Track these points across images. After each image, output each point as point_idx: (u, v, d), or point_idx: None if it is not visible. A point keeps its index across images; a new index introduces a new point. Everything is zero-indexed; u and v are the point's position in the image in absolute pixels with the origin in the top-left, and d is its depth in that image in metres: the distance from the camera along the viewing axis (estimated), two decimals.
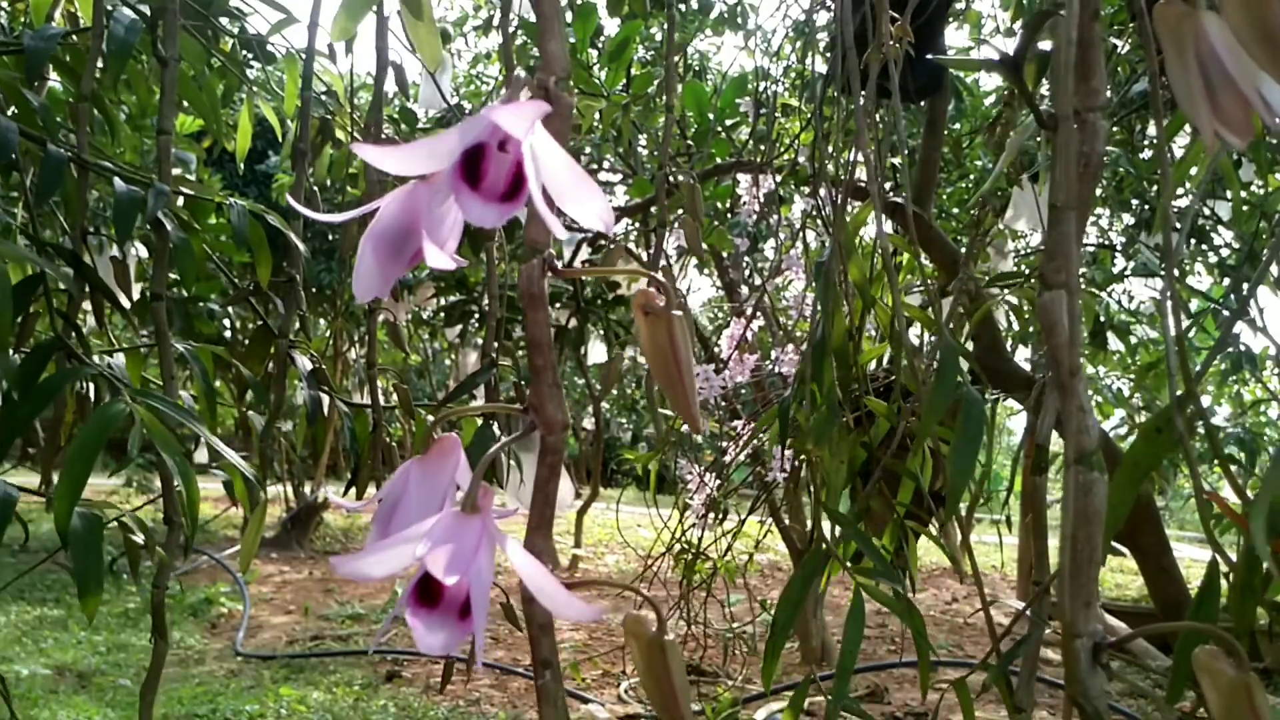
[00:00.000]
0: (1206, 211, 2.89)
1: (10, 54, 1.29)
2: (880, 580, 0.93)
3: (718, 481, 2.22)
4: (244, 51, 1.70)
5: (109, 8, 1.20)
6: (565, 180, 0.44)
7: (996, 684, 0.81)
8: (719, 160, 2.39)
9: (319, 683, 3.10)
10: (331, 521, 6.15)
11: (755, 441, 2.10)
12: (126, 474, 5.62)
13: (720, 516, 2.27)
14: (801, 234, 2.20)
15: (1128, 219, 3.53)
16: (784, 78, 2.50)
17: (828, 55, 1.80)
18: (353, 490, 1.40)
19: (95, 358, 1.08)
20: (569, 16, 2.23)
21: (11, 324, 1.00)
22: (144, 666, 1.25)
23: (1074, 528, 0.45)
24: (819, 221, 1.63)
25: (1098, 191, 2.96)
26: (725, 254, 3.28)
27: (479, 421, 1.31)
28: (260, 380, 1.36)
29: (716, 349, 2.91)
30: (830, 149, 1.48)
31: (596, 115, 2.23)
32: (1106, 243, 3.70)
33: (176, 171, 1.50)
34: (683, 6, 3.21)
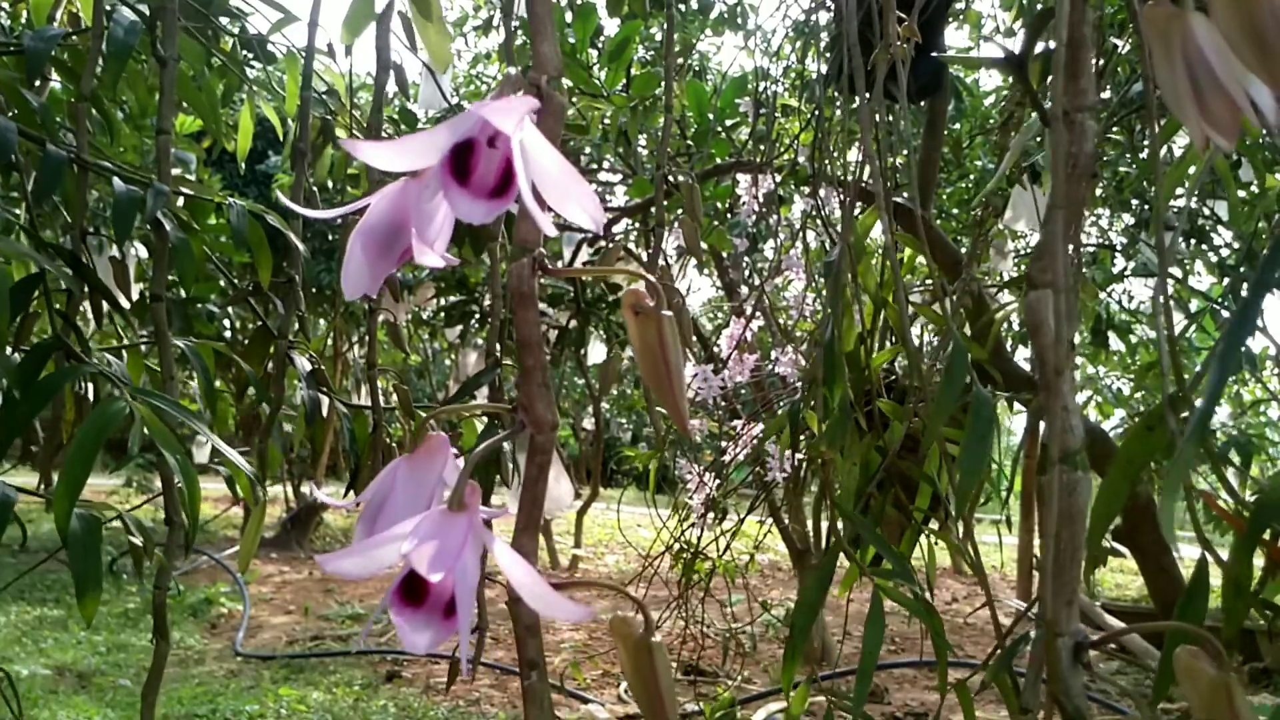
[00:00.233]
0: (1206, 211, 2.88)
1: (10, 54, 1.30)
2: (897, 581, 0.93)
3: (717, 481, 2.22)
4: (244, 51, 1.70)
5: (109, 8, 1.20)
6: (556, 178, 0.44)
7: (998, 684, 0.81)
8: (719, 160, 2.39)
9: (319, 683, 3.10)
10: (331, 522, 6.16)
11: (755, 441, 2.10)
12: (126, 473, 5.63)
13: (719, 516, 2.27)
14: (801, 234, 2.20)
15: (1128, 219, 3.53)
16: (784, 78, 2.49)
17: (828, 55, 1.80)
18: (347, 492, 1.40)
19: (94, 357, 1.08)
20: (569, 17, 2.23)
21: (11, 323, 1.00)
22: (144, 667, 1.25)
23: (1057, 526, 0.45)
24: (819, 222, 1.63)
25: (1098, 192, 2.96)
26: (725, 254, 3.28)
27: (482, 421, 1.31)
28: (260, 379, 1.36)
29: (716, 349, 2.91)
30: (830, 149, 1.48)
31: (604, 118, 2.23)
32: (1106, 243, 3.70)
33: (176, 172, 1.50)
34: (683, 6, 3.21)
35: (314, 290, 4.83)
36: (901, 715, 2.85)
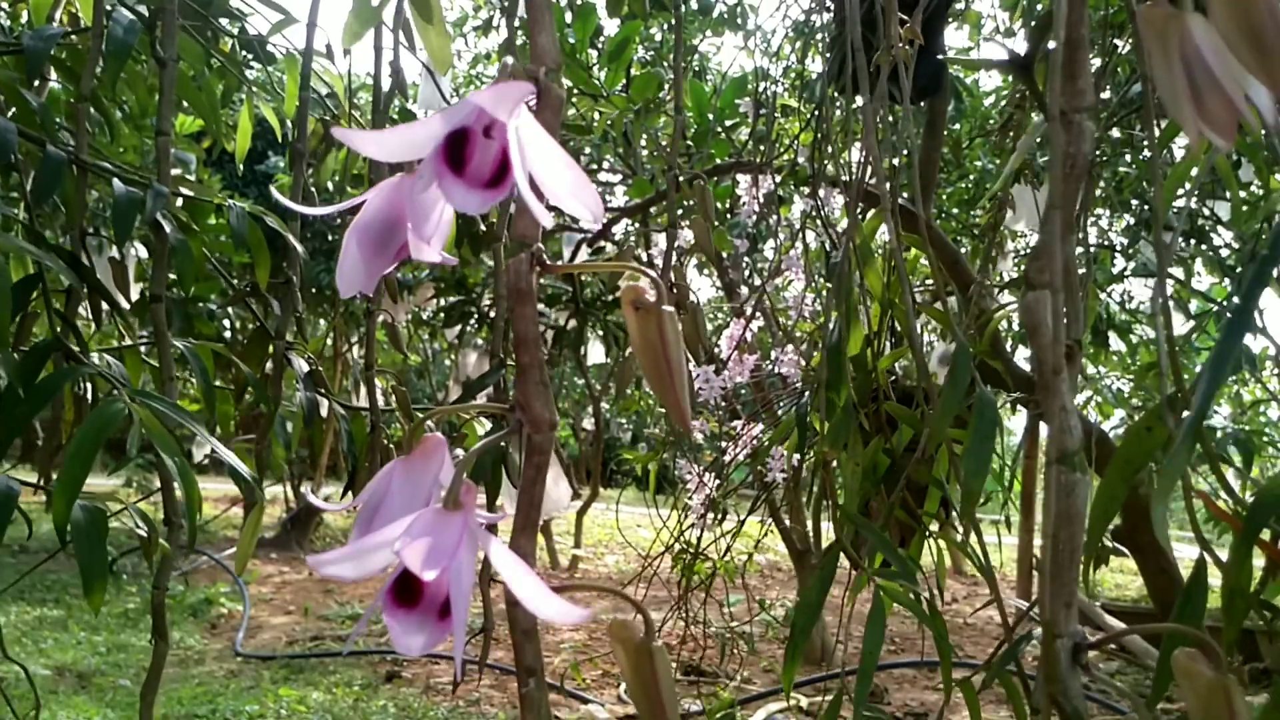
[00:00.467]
0: (1206, 212, 2.88)
1: (10, 54, 1.30)
2: (902, 584, 0.93)
3: (717, 482, 2.22)
4: (243, 52, 1.70)
5: (108, 8, 1.20)
6: (554, 170, 0.43)
7: (1004, 684, 0.81)
8: (718, 160, 2.39)
9: (319, 683, 3.10)
10: (331, 522, 6.15)
11: (755, 442, 2.10)
12: (126, 474, 5.63)
13: (720, 517, 2.27)
14: (801, 234, 2.20)
15: (1128, 219, 3.53)
16: (784, 78, 2.49)
17: (827, 55, 1.80)
18: (346, 493, 1.40)
19: (94, 357, 1.08)
20: (568, 17, 2.23)
21: (10, 323, 1.00)
22: (144, 667, 1.25)
23: (1056, 527, 0.45)
24: (819, 222, 1.63)
25: (1097, 192, 2.96)
26: (725, 254, 3.28)
27: (483, 424, 1.31)
28: (259, 379, 1.36)
29: (716, 349, 2.91)
30: (830, 150, 1.48)
31: (608, 120, 2.23)
32: (1106, 243, 3.70)
33: (176, 172, 1.50)
34: (682, 7, 3.21)
35: (313, 291, 4.83)
36: (901, 715, 2.85)
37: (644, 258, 2.65)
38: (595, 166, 3.00)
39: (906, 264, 1.33)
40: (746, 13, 3.39)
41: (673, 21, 2.63)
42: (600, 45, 2.71)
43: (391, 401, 1.56)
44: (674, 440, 2.36)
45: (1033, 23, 2.21)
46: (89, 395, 1.24)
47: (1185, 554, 3.59)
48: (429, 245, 0.47)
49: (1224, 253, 3.10)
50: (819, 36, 1.96)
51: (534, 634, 0.47)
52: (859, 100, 1.07)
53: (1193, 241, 3.13)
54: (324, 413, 1.36)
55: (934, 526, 1.17)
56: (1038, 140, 2.08)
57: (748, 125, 2.43)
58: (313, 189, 1.72)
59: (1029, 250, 3.37)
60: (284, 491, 5.91)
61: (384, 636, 3.60)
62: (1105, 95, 2.02)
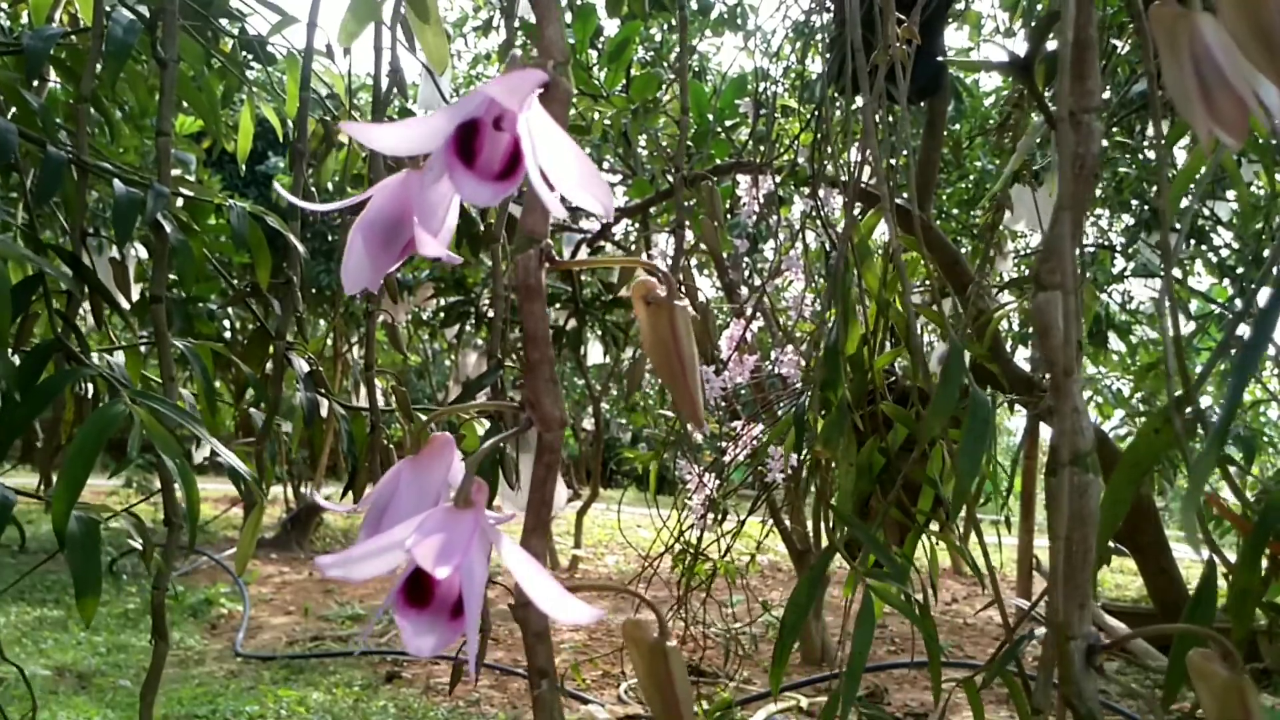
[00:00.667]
0: (1206, 212, 2.88)
1: (10, 54, 1.29)
2: (892, 583, 0.92)
3: (717, 482, 2.22)
4: (244, 52, 1.69)
5: (108, 8, 1.19)
6: (565, 163, 0.43)
7: (1008, 684, 0.80)
8: (718, 161, 2.39)
9: (319, 683, 3.10)
10: (331, 522, 6.15)
11: (755, 442, 2.10)
12: (126, 475, 5.62)
13: (720, 517, 2.27)
14: (801, 235, 2.20)
15: (1128, 219, 3.53)
16: (783, 78, 2.49)
17: (827, 56, 1.79)
18: (350, 493, 1.40)
19: (95, 357, 1.07)
20: (568, 18, 2.23)
21: (10, 324, 1.00)
22: (144, 667, 1.25)
23: (1069, 529, 0.45)
24: (819, 222, 1.63)
25: (1097, 192, 2.96)
26: (725, 255, 3.28)
27: (483, 423, 1.31)
28: (259, 380, 1.36)
29: (716, 350, 2.91)
30: (830, 150, 1.48)
31: (606, 120, 2.23)
32: (1106, 243, 3.70)
33: (176, 172, 1.50)
34: (685, 8, 3.21)
35: (313, 291, 4.82)
36: (901, 716, 2.85)
37: (642, 257, 2.64)
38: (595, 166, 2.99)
39: (907, 265, 1.33)
40: (746, 13, 3.39)
41: (673, 22, 2.64)
42: (600, 46, 2.71)
43: (391, 402, 1.56)
44: (674, 440, 2.36)
45: (1033, 24, 2.21)
46: (90, 396, 1.24)
47: (1184, 554, 3.59)
48: (435, 241, 0.46)
49: (1224, 253, 3.10)
50: (819, 37, 1.96)
51: (546, 636, 0.46)
52: (859, 100, 1.07)
53: (1193, 242, 3.13)
54: (324, 413, 1.36)
55: (934, 527, 1.17)
56: (1037, 141, 2.08)
57: (747, 126, 2.43)
58: (313, 189, 1.71)
59: (1029, 251, 3.37)
60: (284, 492, 5.90)
61: (384, 637, 3.60)
62: (1105, 96, 2.01)
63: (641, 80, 2.30)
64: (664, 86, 2.50)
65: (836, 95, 1.39)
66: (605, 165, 3.01)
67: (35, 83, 1.33)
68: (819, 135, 1.45)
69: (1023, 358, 3.39)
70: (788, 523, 2.96)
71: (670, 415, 2.32)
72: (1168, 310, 0.55)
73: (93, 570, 0.91)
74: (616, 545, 6.09)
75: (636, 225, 2.92)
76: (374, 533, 0.48)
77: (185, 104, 1.58)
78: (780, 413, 2.00)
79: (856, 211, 1.13)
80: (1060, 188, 0.50)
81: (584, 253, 2.69)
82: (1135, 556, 2.37)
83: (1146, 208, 3.13)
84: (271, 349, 1.34)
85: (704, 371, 2.01)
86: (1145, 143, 2.86)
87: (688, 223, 1.67)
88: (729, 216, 2.63)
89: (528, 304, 0.46)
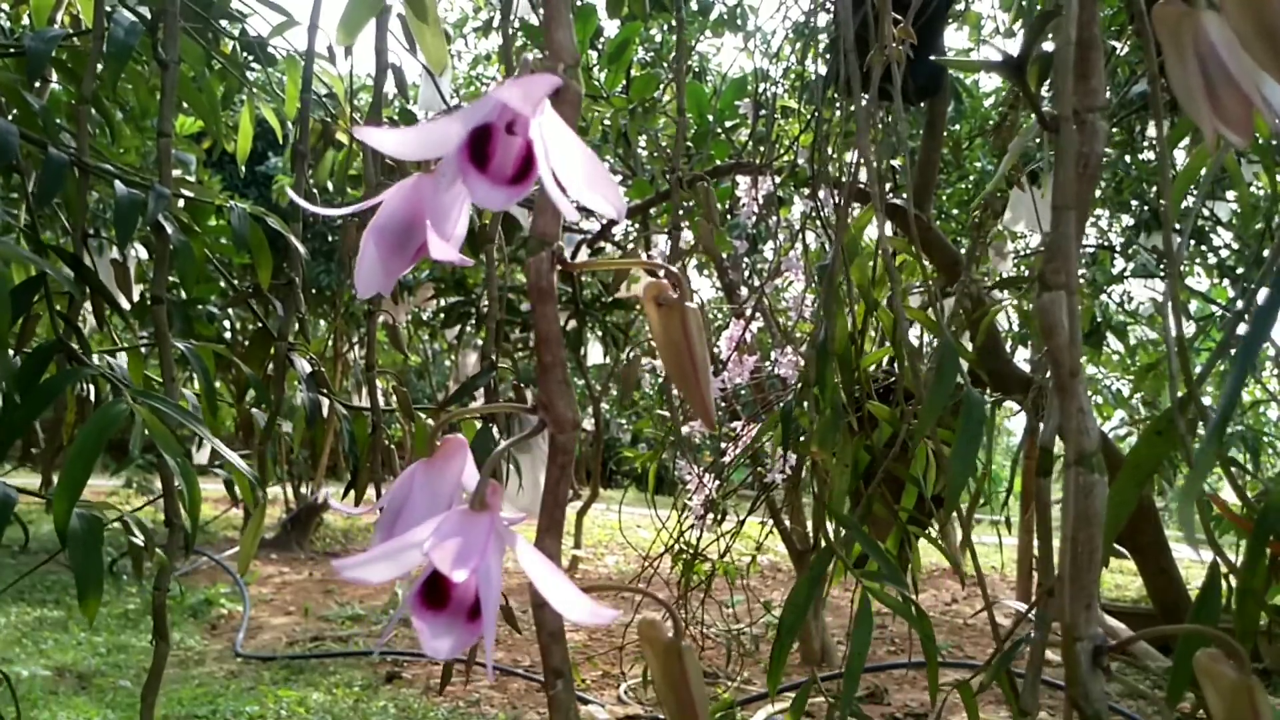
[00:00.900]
0: (1206, 213, 2.89)
1: (11, 56, 1.29)
2: (885, 583, 0.92)
3: (717, 483, 2.22)
4: (244, 53, 1.70)
5: (109, 9, 1.20)
6: (576, 165, 0.43)
7: (1000, 685, 0.81)
8: (718, 162, 2.39)
9: (319, 684, 3.10)
10: (331, 522, 6.15)
11: (755, 443, 2.10)
12: (127, 475, 5.63)
13: (719, 517, 2.27)
14: (801, 235, 2.20)
15: (1127, 220, 3.54)
16: (783, 79, 2.49)
17: (827, 57, 1.80)
18: (351, 493, 1.40)
19: (96, 358, 1.08)
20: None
21: (12, 325, 1.00)
22: (144, 668, 1.25)
23: (1074, 530, 0.45)
24: (818, 223, 1.63)
25: (1097, 192, 2.97)
26: (725, 255, 3.28)
27: (478, 424, 1.31)
28: (260, 380, 1.36)
29: (716, 350, 2.91)
30: (830, 150, 1.48)
31: (606, 120, 2.23)
32: (1106, 243, 3.70)
33: (177, 173, 1.50)
34: (683, 9, 3.21)
35: (314, 291, 4.82)
36: (901, 716, 2.85)
37: (642, 258, 2.64)
38: None
39: (907, 266, 1.33)
40: (746, 14, 3.39)
41: (673, 23, 2.64)
42: (600, 46, 2.71)
43: (392, 402, 1.56)
44: (674, 441, 2.36)
45: (1025, 22, 2.21)
46: (91, 396, 1.24)
47: (1184, 554, 3.59)
48: (449, 244, 0.46)
49: (1224, 254, 3.10)
50: (819, 38, 1.96)
51: (561, 636, 0.47)
52: (863, 102, 1.07)
53: (1193, 243, 3.13)
54: (325, 413, 1.36)
55: (935, 527, 1.17)
56: (1036, 141, 2.08)
57: (747, 126, 2.43)
58: (314, 190, 1.71)
59: (1029, 251, 3.37)
60: (284, 492, 5.90)
61: (387, 638, 3.59)
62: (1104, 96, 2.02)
63: (641, 81, 2.30)
64: (663, 87, 2.50)
65: (836, 96, 1.39)
66: (605, 166, 3.02)
67: (37, 84, 1.33)
68: (819, 136, 1.45)
69: (1023, 358, 3.39)
70: (788, 523, 2.96)
71: (668, 415, 2.33)
72: (1170, 311, 0.55)
73: (95, 568, 0.91)
74: (616, 545, 6.09)
75: (636, 226, 2.92)
76: (388, 535, 0.49)
77: (186, 105, 1.58)
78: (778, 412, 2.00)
79: (848, 211, 1.13)
80: (1064, 187, 0.50)
81: (584, 253, 2.70)
82: (1135, 557, 2.37)
83: (1146, 208, 3.13)
84: (273, 350, 1.34)
85: None
86: (1146, 143, 2.87)
87: (685, 224, 1.67)
88: (729, 217, 2.63)
89: (540, 306, 0.46)
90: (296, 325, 1.36)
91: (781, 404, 1.27)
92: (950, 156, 3.39)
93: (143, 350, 1.30)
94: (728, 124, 2.52)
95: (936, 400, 0.75)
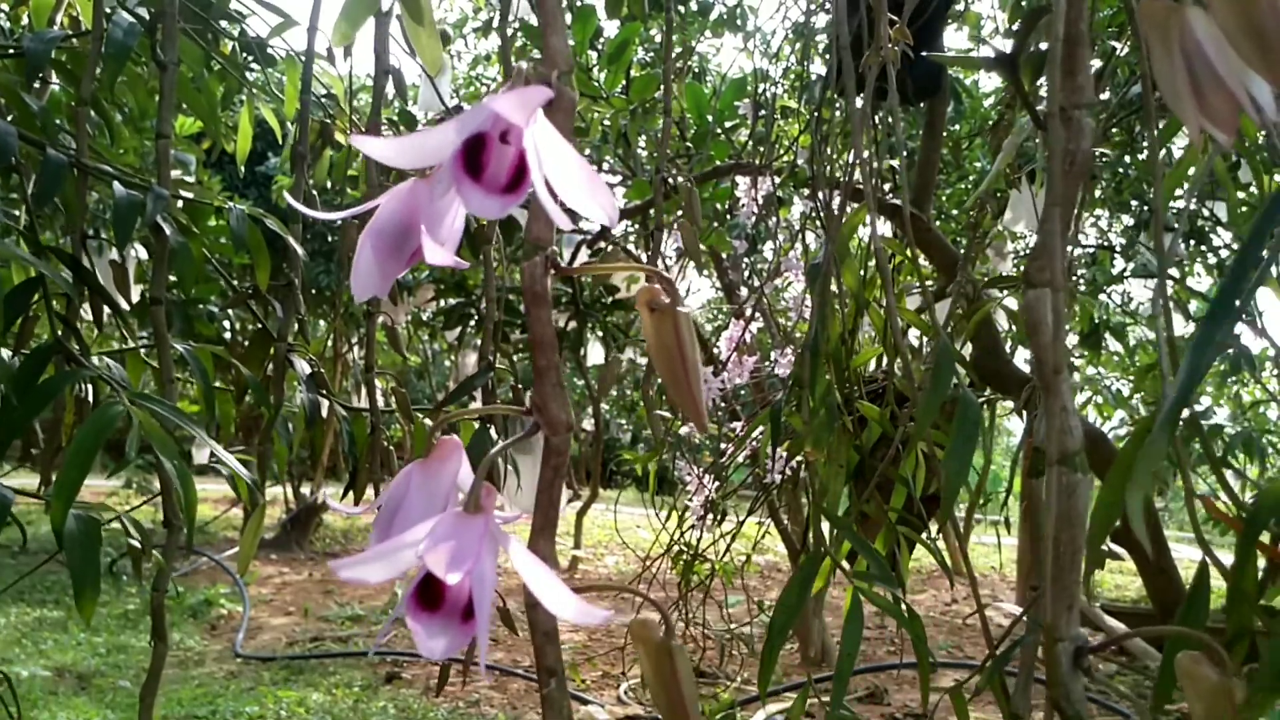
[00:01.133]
0: (1205, 213, 2.89)
1: (10, 57, 1.30)
2: (877, 584, 0.92)
3: (716, 483, 2.22)
4: (244, 54, 1.70)
5: (108, 11, 1.20)
6: (569, 173, 0.43)
7: (992, 689, 0.81)
8: (718, 162, 2.39)
9: (319, 684, 3.10)
10: (331, 523, 6.16)
11: (754, 443, 2.10)
12: (126, 475, 5.63)
13: (719, 518, 2.27)
14: (800, 236, 2.20)
15: (1127, 220, 3.53)
16: (783, 80, 2.50)
17: (826, 57, 1.80)
18: (350, 494, 1.40)
19: (95, 359, 1.08)
20: (568, 19, 2.23)
21: (10, 326, 1.00)
22: (144, 668, 1.25)
23: (1056, 530, 0.45)
24: (817, 223, 1.63)
25: (1097, 193, 2.96)
26: (724, 256, 3.28)
27: (476, 425, 1.31)
28: (260, 381, 1.36)
29: (716, 350, 2.91)
30: (829, 151, 1.48)
31: (605, 121, 2.23)
32: (1106, 244, 3.70)
33: (176, 174, 1.50)
34: (682, 8, 3.21)
35: (313, 292, 4.83)
36: (901, 716, 2.85)
37: (643, 259, 2.65)
38: (595, 168, 3.00)
39: (905, 267, 1.33)
40: (746, 14, 3.39)
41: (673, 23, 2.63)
42: (600, 47, 2.71)
43: (391, 402, 1.56)
44: (673, 441, 2.36)
45: (1020, 21, 2.20)
46: (90, 397, 1.24)
47: (1185, 555, 3.59)
48: (444, 249, 0.47)
49: (1223, 254, 3.10)
50: (818, 38, 1.97)
51: (555, 636, 0.47)
52: (858, 101, 1.07)
53: (1192, 242, 3.13)
54: (325, 414, 1.36)
55: (934, 528, 1.17)
56: (1035, 141, 2.08)
57: (747, 127, 2.43)
58: (313, 191, 1.71)
59: (1029, 251, 3.37)
60: (284, 492, 5.91)
61: (385, 638, 3.60)
62: (1105, 96, 2.02)
63: (641, 81, 2.30)
64: (663, 87, 2.50)
65: (836, 96, 1.39)
66: (605, 166, 3.02)
67: (36, 85, 1.33)
68: (819, 137, 1.45)
69: (1023, 358, 3.38)
70: (787, 523, 2.96)
71: (668, 416, 2.33)
72: (1162, 310, 0.55)
73: (92, 569, 0.91)
74: (616, 546, 6.09)
75: (636, 226, 2.92)
76: (385, 536, 0.50)
77: (185, 106, 1.58)
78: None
79: (838, 210, 1.13)
80: (1050, 184, 0.50)
81: (584, 253, 2.70)
82: (1134, 558, 2.37)
83: (1146, 208, 3.13)
84: (273, 351, 1.34)
85: (703, 372, 2.01)
86: (1145, 143, 2.86)
87: (674, 226, 1.68)
88: (729, 218, 2.63)
89: (534, 310, 0.47)
90: (296, 326, 1.36)
91: (773, 403, 1.27)
92: (950, 156, 3.39)
93: (142, 351, 1.30)
94: (727, 124, 2.52)
95: (933, 402, 0.75)
